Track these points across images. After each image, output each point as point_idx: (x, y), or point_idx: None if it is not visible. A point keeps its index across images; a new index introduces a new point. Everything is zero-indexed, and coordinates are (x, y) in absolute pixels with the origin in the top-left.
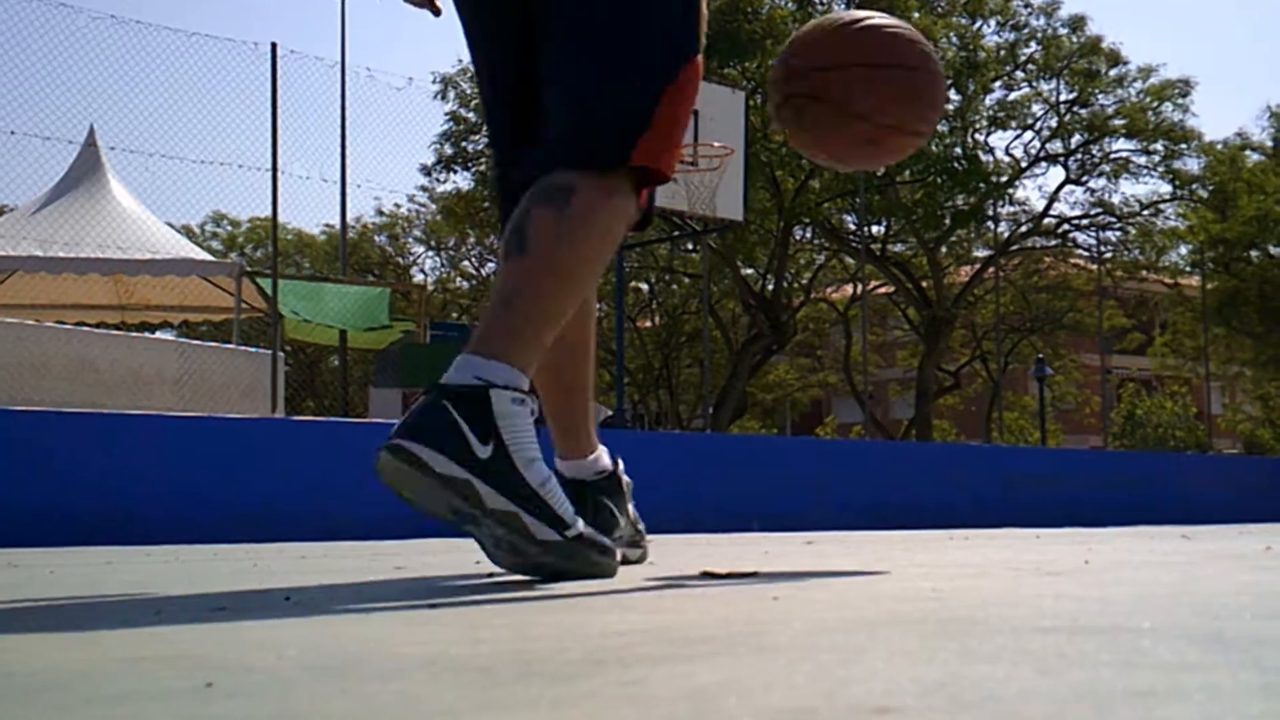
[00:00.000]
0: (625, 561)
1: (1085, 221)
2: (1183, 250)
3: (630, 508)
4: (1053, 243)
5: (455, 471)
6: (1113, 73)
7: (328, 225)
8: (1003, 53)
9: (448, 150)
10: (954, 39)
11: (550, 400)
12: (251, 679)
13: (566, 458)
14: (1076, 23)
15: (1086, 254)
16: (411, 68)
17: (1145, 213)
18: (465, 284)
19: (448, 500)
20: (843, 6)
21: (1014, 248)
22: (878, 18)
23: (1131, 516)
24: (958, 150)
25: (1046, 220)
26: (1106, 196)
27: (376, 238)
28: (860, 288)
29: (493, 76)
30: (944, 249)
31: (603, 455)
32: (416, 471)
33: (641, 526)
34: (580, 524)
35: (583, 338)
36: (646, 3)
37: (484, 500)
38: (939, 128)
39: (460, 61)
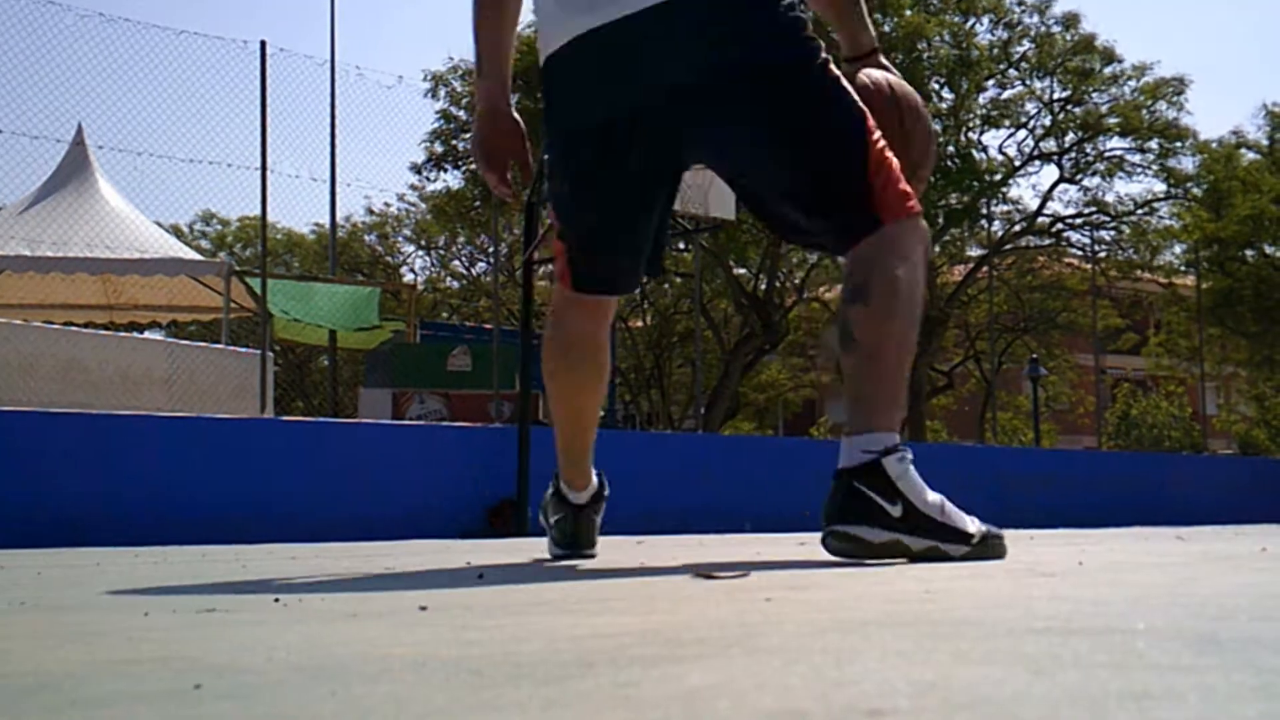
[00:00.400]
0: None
1: (1079, 220)
2: (1177, 249)
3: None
4: (1046, 242)
5: (883, 537)
6: (1107, 71)
7: (317, 224)
8: (996, 50)
9: (438, 149)
10: (946, 37)
11: (568, 438)
12: (241, 680)
13: (573, 488)
14: (1070, 20)
15: (1081, 253)
16: (402, 66)
17: (1139, 212)
18: (455, 283)
19: (885, 555)
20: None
21: (1007, 247)
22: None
23: (1126, 518)
24: (951, 149)
25: (1040, 219)
26: (1101, 195)
27: (366, 237)
28: None
29: (633, 215)
30: (937, 248)
31: (594, 480)
32: (855, 545)
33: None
34: (975, 524)
35: (602, 392)
36: (827, 95)
37: (910, 548)
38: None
39: (451, 59)
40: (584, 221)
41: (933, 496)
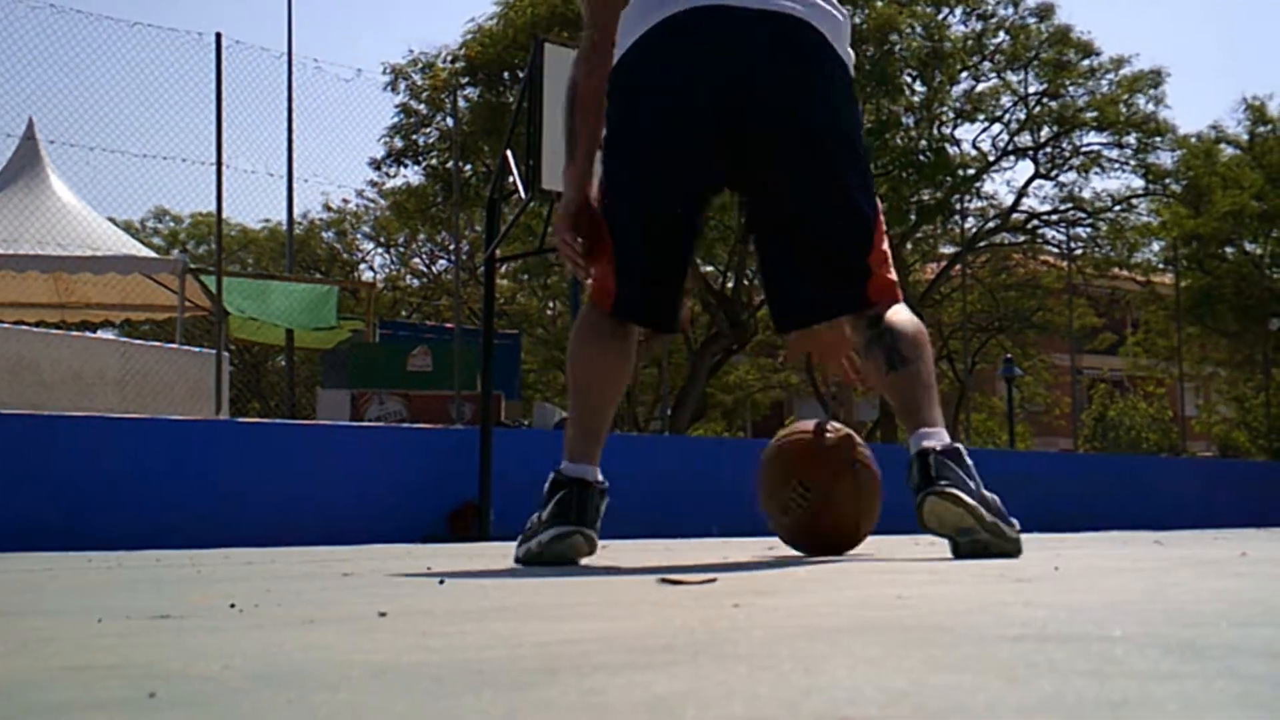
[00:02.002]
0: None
1: (1055, 217)
2: (1155, 247)
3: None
4: (1021, 239)
5: (971, 501)
6: (1084, 64)
7: (271, 220)
8: (969, 43)
9: (398, 144)
10: (919, 29)
11: (599, 420)
12: (196, 688)
13: (582, 462)
14: (1045, 12)
15: (1056, 250)
16: (360, 59)
17: (1117, 208)
18: (415, 282)
19: (961, 520)
20: None
21: (981, 244)
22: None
23: (1103, 521)
24: (923, 143)
25: (1015, 215)
26: (1077, 191)
27: (324, 234)
28: None
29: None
30: (909, 245)
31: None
32: (953, 502)
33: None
34: (1016, 523)
35: (625, 380)
36: (865, 176)
37: (985, 517)
38: (904, 121)
39: (411, 52)
40: (636, 230)
41: (988, 491)
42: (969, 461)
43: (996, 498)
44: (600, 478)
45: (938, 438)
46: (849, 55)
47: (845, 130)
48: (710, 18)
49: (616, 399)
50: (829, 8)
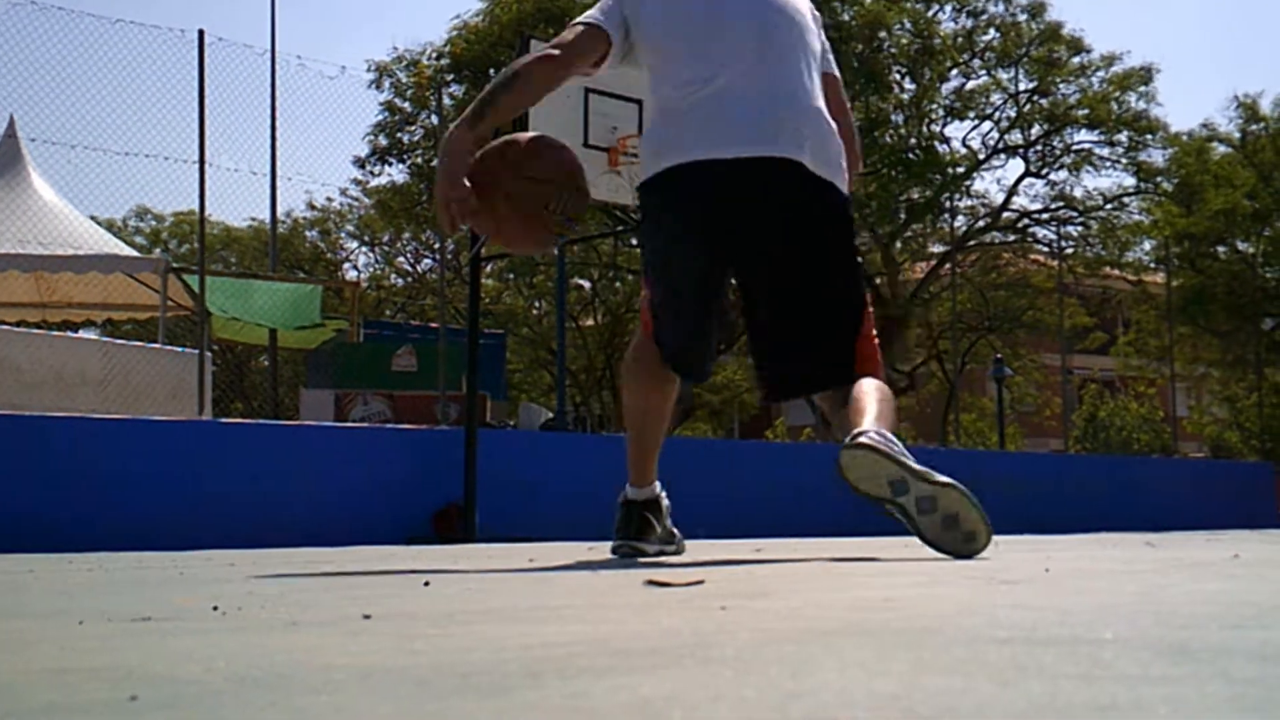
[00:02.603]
0: (662, 553)
1: (1046, 215)
2: (1147, 246)
3: (667, 521)
4: (1012, 238)
5: (896, 454)
6: (1074, 61)
7: (255, 219)
8: (960, 40)
9: (382, 142)
10: (908, 25)
11: (654, 441)
12: (178, 691)
13: (639, 484)
14: (1036, 9)
15: (1047, 249)
16: (344, 56)
17: (1108, 206)
18: (400, 281)
19: (887, 471)
20: None
21: (971, 243)
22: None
23: (1093, 523)
24: (913, 141)
25: (1005, 214)
26: (1068, 189)
27: (308, 233)
28: None
29: (710, 300)
30: (898, 244)
31: (656, 485)
32: (870, 454)
33: (677, 533)
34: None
35: (670, 407)
36: (859, 287)
37: (911, 466)
38: (894, 118)
39: (395, 49)
40: (675, 312)
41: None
42: (898, 443)
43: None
44: (658, 490)
45: (875, 429)
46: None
47: (851, 259)
48: (738, 166)
49: (668, 419)
50: (835, 154)
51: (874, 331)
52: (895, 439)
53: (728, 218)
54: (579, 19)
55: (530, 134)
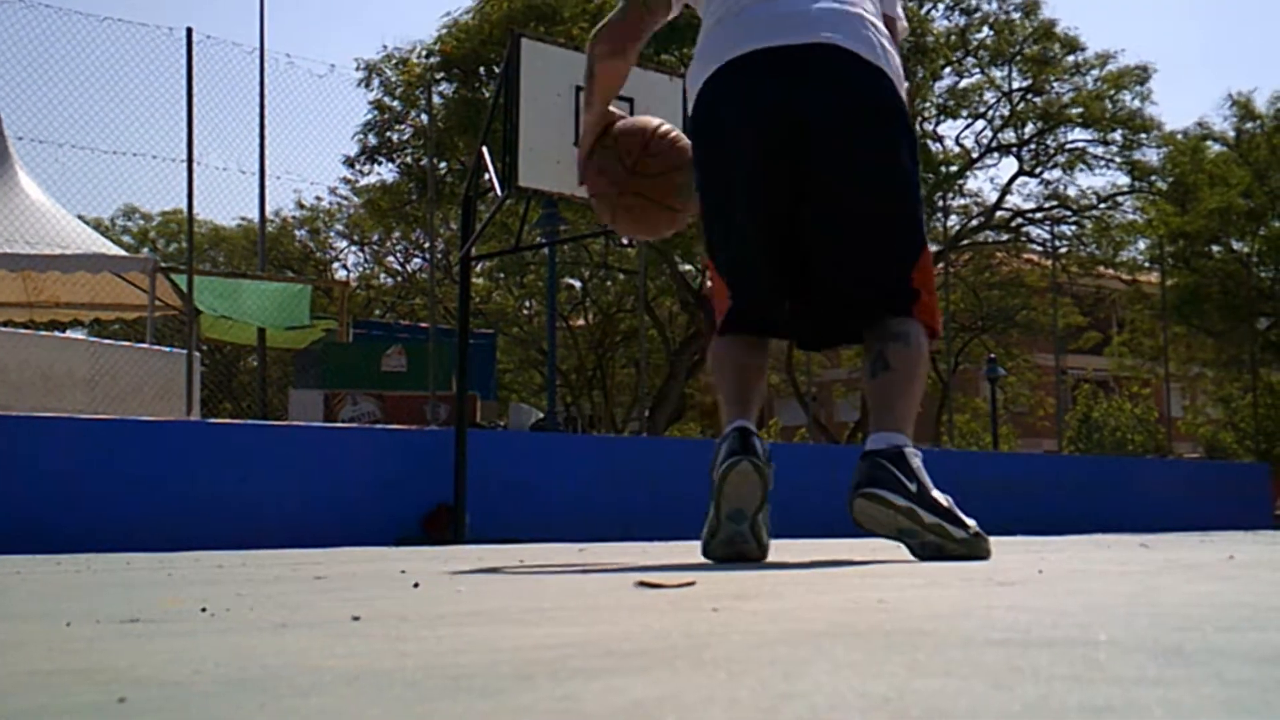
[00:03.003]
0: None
1: (1039, 215)
2: (1141, 245)
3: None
4: (1005, 237)
5: (903, 503)
6: (1068, 59)
7: (243, 218)
8: (953, 38)
9: (371, 141)
10: None
11: (750, 399)
12: (166, 694)
13: (740, 417)
14: (1030, 6)
15: (1040, 249)
16: (334, 54)
17: (1102, 205)
18: (390, 280)
19: (896, 522)
20: None
21: (964, 242)
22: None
23: (1087, 524)
24: None
25: (999, 213)
26: (1062, 188)
27: (297, 232)
28: None
29: (770, 240)
30: None
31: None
32: (881, 505)
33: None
34: (972, 523)
35: (764, 381)
36: (913, 204)
37: (923, 519)
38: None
39: (385, 47)
40: (731, 238)
41: (939, 493)
42: (914, 464)
43: (948, 498)
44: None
45: (886, 440)
46: (896, 70)
47: (896, 152)
48: (775, 55)
49: (762, 388)
50: (877, 39)
51: (931, 266)
52: (910, 445)
53: (774, 106)
54: None
55: (648, 131)
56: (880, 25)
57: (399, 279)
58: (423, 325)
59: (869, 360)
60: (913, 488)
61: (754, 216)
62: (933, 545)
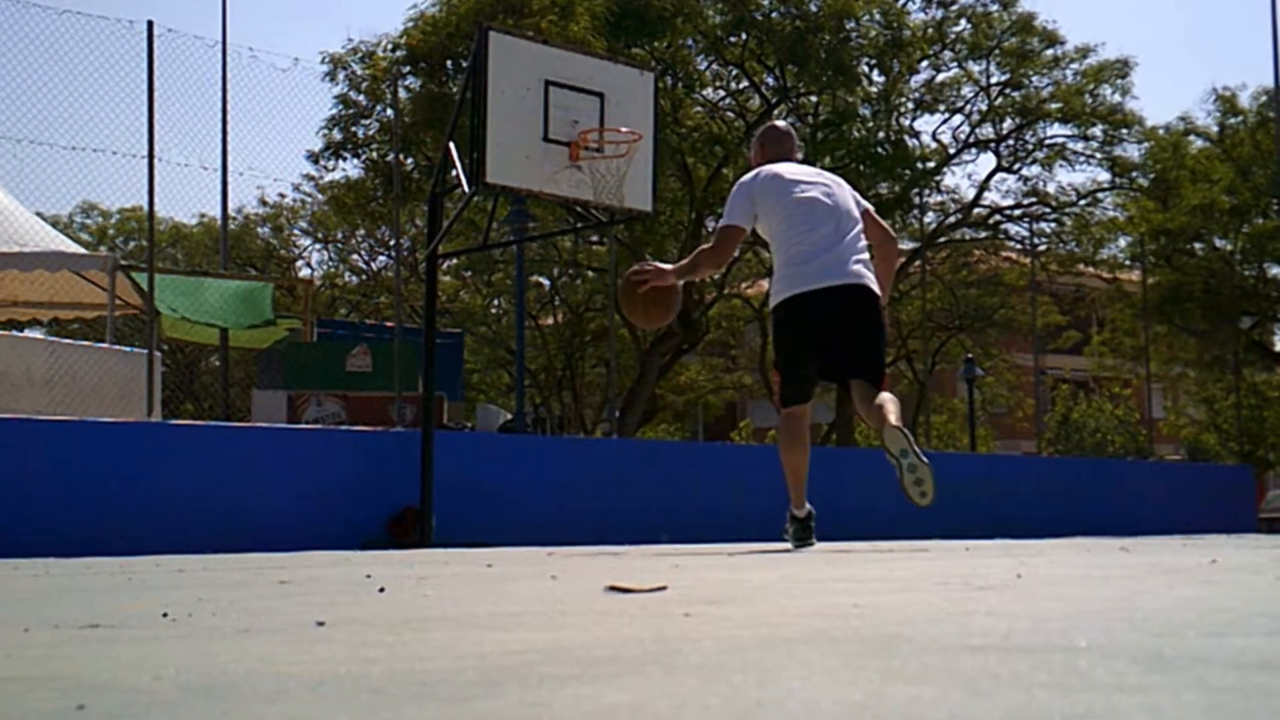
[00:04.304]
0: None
1: (1018, 211)
2: (1122, 242)
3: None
4: (983, 234)
5: (914, 445)
6: (1047, 53)
7: (203, 215)
8: (930, 31)
9: (336, 136)
10: (877, 16)
11: (802, 480)
12: (127, 701)
13: (801, 506)
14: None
15: (1019, 246)
16: (298, 47)
17: (1082, 202)
18: (354, 279)
19: (904, 442)
20: None
21: (941, 239)
22: None
23: (1067, 527)
24: (881, 135)
25: (976, 210)
26: (1041, 185)
27: (259, 229)
28: None
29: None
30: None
31: (808, 505)
32: (900, 434)
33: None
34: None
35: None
36: (884, 335)
37: (918, 450)
38: (862, 111)
39: (350, 41)
40: (796, 359)
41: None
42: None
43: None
44: (809, 509)
45: (899, 421)
46: (881, 295)
47: (879, 325)
48: (826, 292)
49: (807, 462)
50: (870, 275)
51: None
52: (906, 428)
53: (828, 314)
54: (724, 222)
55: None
56: (867, 254)
57: (364, 277)
58: (388, 324)
59: (870, 403)
60: (912, 440)
61: (807, 357)
62: (912, 465)
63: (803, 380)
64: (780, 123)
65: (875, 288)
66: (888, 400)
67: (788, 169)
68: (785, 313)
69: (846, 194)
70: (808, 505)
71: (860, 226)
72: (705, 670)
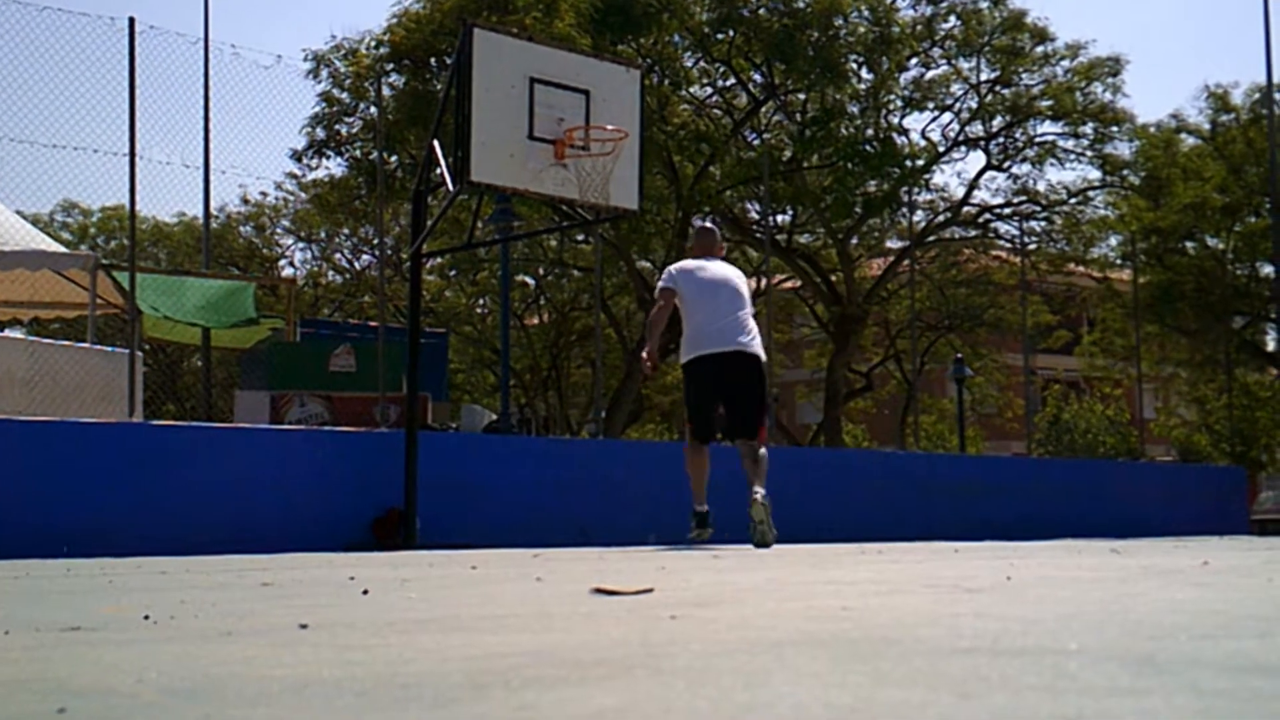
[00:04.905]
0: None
1: (1008, 210)
2: (1113, 241)
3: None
4: (973, 233)
5: (769, 520)
6: (1038, 50)
7: (181, 214)
8: (919, 28)
9: (319, 134)
10: (865, 12)
11: (704, 485)
12: (108, 704)
13: (701, 502)
14: None
15: (1009, 245)
16: (281, 44)
17: (1073, 201)
18: (338, 278)
19: (763, 514)
20: None
21: (931, 238)
22: None
23: (1058, 529)
24: (870, 133)
25: (966, 209)
26: (1031, 183)
27: (242, 228)
28: (764, 282)
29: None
30: (855, 240)
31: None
32: (763, 509)
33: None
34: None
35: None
36: (764, 392)
37: (771, 522)
38: (850, 109)
39: (334, 37)
40: (699, 407)
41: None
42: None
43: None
44: (708, 507)
45: (761, 491)
46: (764, 357)
47: (762, 382)
48: (720, 355)
49: (707, 468)
50: (758, 345)
51: (765, 423)
52: (763, 490)
53: (721, 373)
54: (659, 289)
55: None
56: (755, 330)
57: (347, 276)
58: (372, 324)
59: (747, 461)
60: (767, 508)
61: (709, 405)
62: (761, 533)
63: (707, 420)
64: (708, 224)
65: (760, 353)
66: (758, 467)
67: (703, 263)
68: (692, 369)
69: (743, 284)
70: (706, 505)
71: (750, 309)
72: (692, 673)
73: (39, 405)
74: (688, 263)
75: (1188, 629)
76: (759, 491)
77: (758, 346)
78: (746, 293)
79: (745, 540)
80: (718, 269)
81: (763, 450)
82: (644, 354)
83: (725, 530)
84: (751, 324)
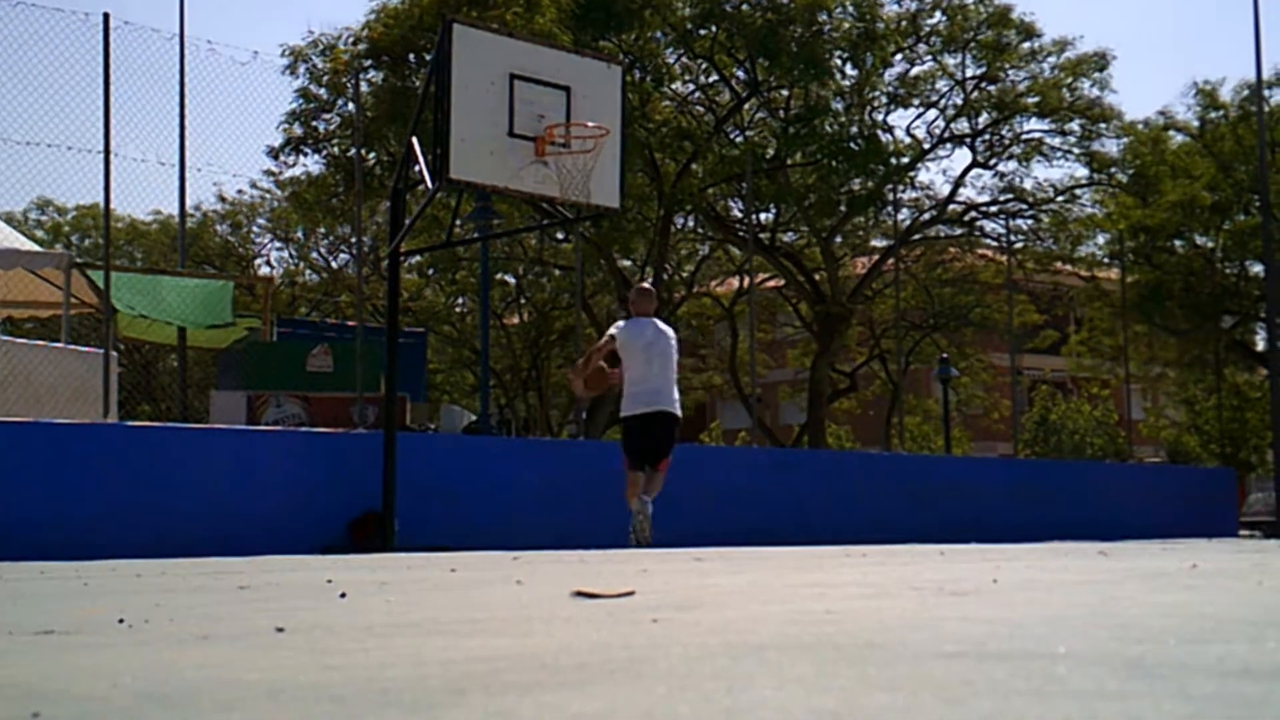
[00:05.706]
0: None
1: (994, 208)
2: (1100, 240)
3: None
4: (958, 231)
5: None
6: (1025, 46)
7: (157, 211)
8: (904, 23)
9: (297, 131)
10: (850, 8)
11: (638, 485)
12: (82, 709)
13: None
14: None
15: (995, 244)
16: (257, 40)
17: (1060, 199)
18: (315, 277)
19: (646, 521)
20: None
21: (916, 237)
22: None
23: (1045, 531)
24: (854, 130)
25: (951, 207)
26: (1017, 181)
27: (218, 227)
28: (747, 281)
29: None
30: (839, 238)
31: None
32: (645, 509)
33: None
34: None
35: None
36: (676, 434)
37: (650, 527)
38: (834, 106)
39: (311, 33)
40: (632, 449)
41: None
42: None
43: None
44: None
45: (649, 498)
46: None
47: (673, 434)
48: (648, 415)
49: (643, 480)
50: (676, 404)
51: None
52: (651, 500)
53: (647, 425)
54: (611, 330)
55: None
56: (676, 387)
57: (325, 275)
58: (350, 324)
59: (651, 476)
60: (650, 513)
61: (640, 445)
62: (643, 531)
63: (638, 457)
64: (646, 285)
65: (676, 411)
66: (652, 485)
67: (644, 324)
68: (627, 423)
69: (672, 346)
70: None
71: (674, 370)
72: (674, 678)
73: (12, 406)
74: (635, 321)
75: (1177, 632)
76: (647, 497)
77: (675, 406)
78: (674, 354)
79: (721, 543)
80: (653, 333)
81: (660, 475)
82: (572, 372)
83: (704, 536)
84: (672, 385)
